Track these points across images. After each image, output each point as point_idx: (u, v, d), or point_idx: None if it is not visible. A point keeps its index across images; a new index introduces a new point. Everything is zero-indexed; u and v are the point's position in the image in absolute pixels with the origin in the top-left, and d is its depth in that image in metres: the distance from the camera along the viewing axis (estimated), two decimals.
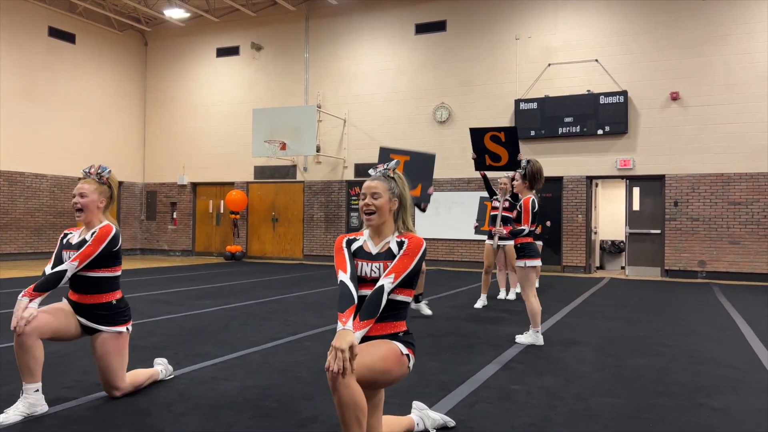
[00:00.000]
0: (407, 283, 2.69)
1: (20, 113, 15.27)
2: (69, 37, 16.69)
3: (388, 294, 2.61)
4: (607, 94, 13.32)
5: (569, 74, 13.88)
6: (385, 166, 2.86)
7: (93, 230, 3.67)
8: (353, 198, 16.15)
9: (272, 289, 9.65)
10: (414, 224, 3.21)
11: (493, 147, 7.14)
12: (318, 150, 15.72)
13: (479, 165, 7.24)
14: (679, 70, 12.99)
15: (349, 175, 16.19)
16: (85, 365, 4.46)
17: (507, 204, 7.66)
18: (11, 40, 15.19)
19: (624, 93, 13.17)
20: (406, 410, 3.44)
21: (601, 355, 5.13)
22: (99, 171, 3.75)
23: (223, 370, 4.41)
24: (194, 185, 18.29)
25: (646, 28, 13.33)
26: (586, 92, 13.54)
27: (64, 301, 3.69)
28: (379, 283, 2.62)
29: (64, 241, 3.73)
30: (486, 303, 7.94)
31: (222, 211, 17.76)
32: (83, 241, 3.64)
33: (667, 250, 13.06)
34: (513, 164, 6.96)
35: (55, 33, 16.32)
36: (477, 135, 7.21)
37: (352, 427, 2.45)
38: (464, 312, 7.45)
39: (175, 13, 17.19)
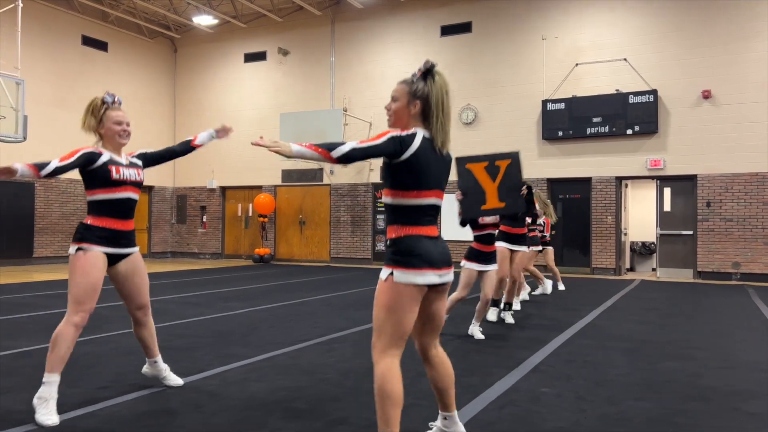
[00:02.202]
0: (366, 154, 2.51)
1: (55, 120, 15.67)
2: (102, 46, 17.08)
3: (348, 150, 2.47)
4: (636, 93, 13.12)
5: (597, 74, 13.71)
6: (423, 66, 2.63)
7: (132, 154, 3.92)
8: (379, 200, 16.19)
9: (300, 292, 9.72)
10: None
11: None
12: None
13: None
14: (710, 68, 12.73)
15: (375, 177, 16.23)
16: (118, 366, 4.56)
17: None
18: (46, 49, 15.61)
19: (654, 92, 12.96)
20: (437, 413, 3.46)
21: (632, 358, 5.05)
22: (119, 99, 3.87)
23: (252, 371, 4.47)
24: (223, 189, 18.54)
25: (675, 26, 13.11)
26: (615, 92, 13.36)
27: (92, 253, 3.48)
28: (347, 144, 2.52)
29: (103, 159, 3.64)
30: (518, 306, 7.89)
31: (250, 214, 17.96)
32: (134, 164, 3.81)
33: (699, 252, 12.79)
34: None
35: (88, 41, 16.72)
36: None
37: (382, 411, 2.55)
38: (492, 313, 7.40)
39: (204, 20, 17.47)
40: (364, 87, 16.40)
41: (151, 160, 3.97)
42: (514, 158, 5.24)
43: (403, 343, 2.56)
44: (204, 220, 18.73)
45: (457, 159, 5.20)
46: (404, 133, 2.55)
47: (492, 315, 6.87)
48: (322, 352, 5.16)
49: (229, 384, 4.10)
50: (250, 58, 18.04)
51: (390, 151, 2.50)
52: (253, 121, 17.87)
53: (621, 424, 3.39)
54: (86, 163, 3.59)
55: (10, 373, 4.35)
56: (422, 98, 2.58)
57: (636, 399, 3.86)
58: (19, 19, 12.36)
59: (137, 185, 3.74)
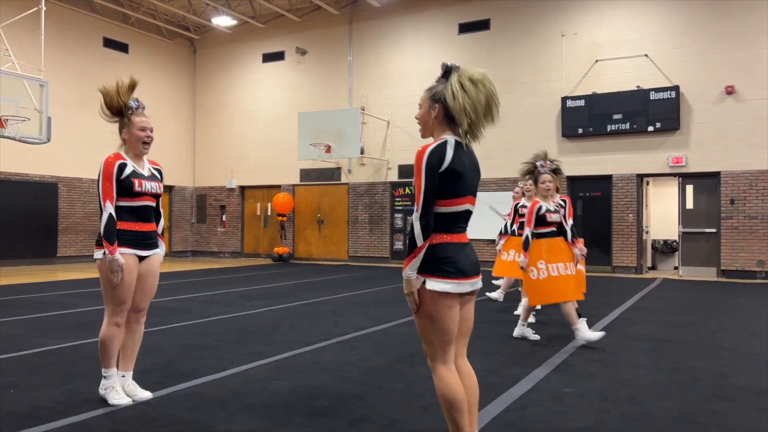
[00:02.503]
0: (431, 198, 2.44)
1: (77, 121, 15.91)
2: (122, 47, 17.30)
3: (419, 220, 2.43)
4: (657, 90, 12.96)
5: (617, 70, 13.56)
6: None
7: (153, 166, 4.03)
8: (397, 199, 16.19)
9: (319, 290, 9.77)
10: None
11: None
12: (362, 152, 15.83)
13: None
14: (733, 63, 12.52)
15: (393, 176, 16.24)
16: (143, 364, 4.63)
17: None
18: (68, 50, 15.85)
19: (675, 88, 12.79)
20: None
21: (655, 357, 5.00)
22: (143, 104, 4.01)
23: (275, 369, 4.50)
24: (242, 188, 18.67)
25: (697, 20, 12.92)
26: (636, 88, 13.20)
27: (121, 257, 3.57)
28: None
29: (127, 171, 3.80)
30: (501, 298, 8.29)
31: (269, 213, 18.08)
32: (155, 176, 3.94)
33: (723, 250, 12.60)
34: None
35: (109, 43, 16.95)
36: None
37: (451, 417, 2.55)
38: (512, 314, 7.37)
39: (223, 21, 17.60)
40: (382, 86, 16.40)
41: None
42: None
43: (452, 348, 2.56)
44: (224, 219, 18.89)
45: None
46: (434, 145, 2.48)
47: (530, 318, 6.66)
48: (344, 351, 5.18)
49: (252, 382, 4.14)
50: (269, 58, 18.14)
51: (436, 175, 2.44)
52: (271, 120, 17.97)
53: (645, 424, 3.36)
54: (117, 174, 3.77)
55: (38, 371, 4.44)
56: (441, 101, 2.54)
57: (660, 399, 3.83)
58: (42, 23, 12.57)
59: (155, 197, 3.87)
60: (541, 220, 5.47)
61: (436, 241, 2.49)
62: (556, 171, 5.55)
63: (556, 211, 5.51)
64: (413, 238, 2.44)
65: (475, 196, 2.59)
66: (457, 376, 2.55)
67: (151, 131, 3.97)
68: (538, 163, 5.54)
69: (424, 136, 2.65)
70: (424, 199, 2.42)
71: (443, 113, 2.55)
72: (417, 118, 2.66)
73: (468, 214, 2.58)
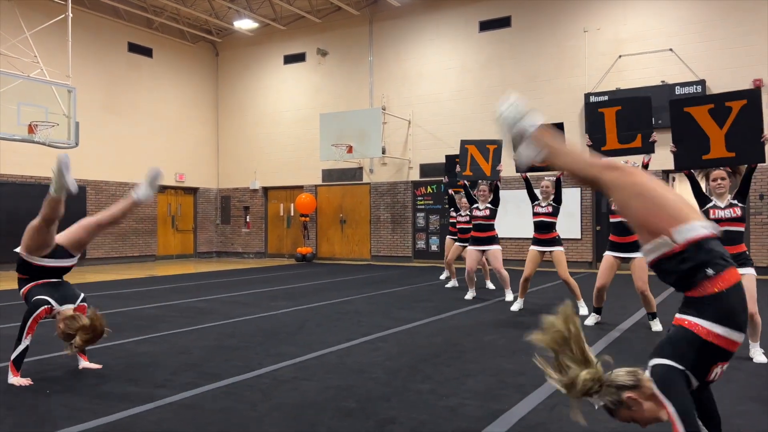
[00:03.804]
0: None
1: (103, 125, 16.20)
2: (147, 52, 17.56)
3: None
4: (683, 84, 12.77)
5: (642, 65, 13.39)
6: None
7: None
8: (419, 198, 16.19)
9: (343, 290, 9.82)
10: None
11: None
12: (383, 152, 15.85)
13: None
14: (761, 56, 12.28)
15: (415, 175, 16.24)
16: (174, 365, 4.71)
17: (550, 209, 7.26)
18: (95, 56, 16.14)
19: (702, 82, 12.58)
20: (487, 412, 3.46)
21: None
22: None
23: (302, 370, 4.55)
24: (265, 189, 18.84)
25: (723, 13, 12.69)
26: (661, 83, 13.02)
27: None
28: None
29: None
30: (522, 306, 7.55)
31: (292, 214, 18.21)
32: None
33: (753, 246, 12.37)
34: (647, 146, 6.05)
35: (134, 48, 17.22)
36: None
37: None
38: (537, 313, 7.32)
39: (245, 24, 17.77)
40: (403, 85, 16.41)
41: None
42: (751, 98, 4.67)
43: None
44: (247, 220, 19.07)
45: (672, 102, 5.01)
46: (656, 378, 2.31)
47: (591, 320, 6.44)
48: (369, 351, 5.21)
49: (281, 383, 4.19)
50: (290, 59, 18.26)
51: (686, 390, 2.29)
52: (293, 122, 18.09)
53: None
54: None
55: (72, 373, 4.54)
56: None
57: None
58: (69, 29, 12.81)
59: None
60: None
61: None
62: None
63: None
64: None
65: None
66: None
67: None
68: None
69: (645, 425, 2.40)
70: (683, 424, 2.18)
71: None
72: (642, 423, 2.38)
73: None
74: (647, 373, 2.30)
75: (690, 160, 4.87)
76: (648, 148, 6.02)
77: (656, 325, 6.13)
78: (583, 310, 7.12)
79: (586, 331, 6.04)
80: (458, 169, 8.65)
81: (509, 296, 8.43)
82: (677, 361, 2.28)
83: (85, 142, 14.32)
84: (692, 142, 4.70)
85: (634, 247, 5.93)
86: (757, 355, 4.85)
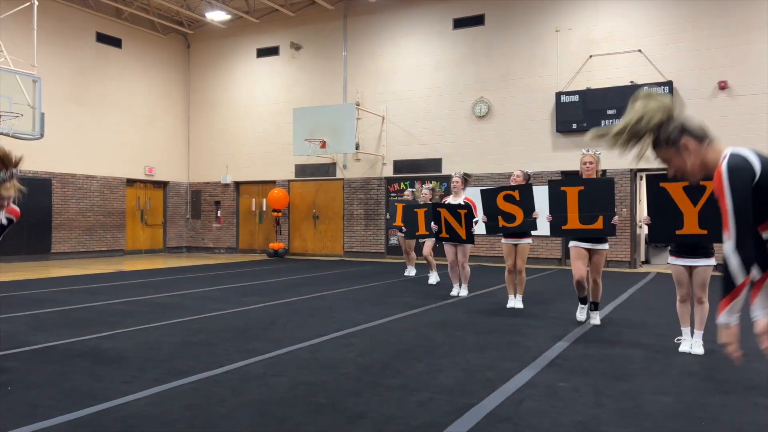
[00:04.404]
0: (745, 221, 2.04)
1: (71, 117, 15.84)
2: (116, 42, 17.21)
3: (735, 252, 2.05)
4: (651, 85, 12.99)
5: (611, 65, 13.60)
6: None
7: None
8: (392, 194, 16.21)
9: (315, 286, 9.79)
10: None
11: (507, 207, 6.98)
12: (357, 147, 15.82)
13: (491, 228, 7.22)
14: (726, 59, 12.58)
15: (388, 171, 16.25)
16: (141, 361, 4.64)
17: None
18: (61, 45, 15.76)
19: (669, 83, 12.84)
20: (456, 407, 3.48)
21: (650, 351, 5.05)
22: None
23: (272, 366, 4.52)
24: (237, 184, 18.65)
25: (691, 16, 12.96)
26: (630, 83, 13.25)
27: None
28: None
29: None
30: (520, 305, 7.44)
31: (264, 209, 18.07)
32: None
33: (716, 245, 12.67)
34: (529, 224, 6.95)
35: (102, 38, 16.86)
36: (489, 196, 7.09)
37: None
38: (507, 309, 7.41)
39: (217, 15, 17.54)
40: (377, 81, 16.39)
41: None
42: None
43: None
44: (219, 215, 18.86)
45: (648, 177, 5.16)
46: (731, 157, 2.09)
47: (581, 314, 6.47)
48: (341, 347, 5.20)
49: (251, 379, 4.16)
50: (263, 53, 18.09)
51: (748, 196, 2.04)
52: (266, 116, 17.94)
53: (640, 418, 3.40)
54: None
55: (34, 369, 4.44)
56: (682, 132, 2.21)
57: (654, 393, 3.87)
58: (35, 17, 12.49)
59: None
60: None
61: None
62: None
63: None
64: (728, 276, 2.05)
65: None
66: None
67: (8, 200, 4.04)
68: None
69: (695, 181, 2.28)
70: (736, 224, 2.02)
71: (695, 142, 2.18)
72: (680, 170, 2.27)
73: None
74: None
75: (664, 234, 5.07)
76: (609, 231, 5.99)
77: (595, 319, 6.31)
78: (517, 303, 7.40)
79: (583, 326, 6.12)
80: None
81: (456, 290, 8.59)
82: (760, 162, 2.05)
83: (50, 133, 14.00)
84: (667, 216, 4.88)
85: (599, 239, 6.14)
86: (696, 347, 5.03)
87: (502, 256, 7.61)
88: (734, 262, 2.03)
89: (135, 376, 4.22)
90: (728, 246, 2.04)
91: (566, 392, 3.88)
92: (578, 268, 6.16)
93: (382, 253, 16.29)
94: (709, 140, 2.21)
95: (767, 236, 2.10)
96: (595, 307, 6.36)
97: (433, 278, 10.18)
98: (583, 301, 6.44)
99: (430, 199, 9.86)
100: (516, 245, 7.36)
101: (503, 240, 7.50)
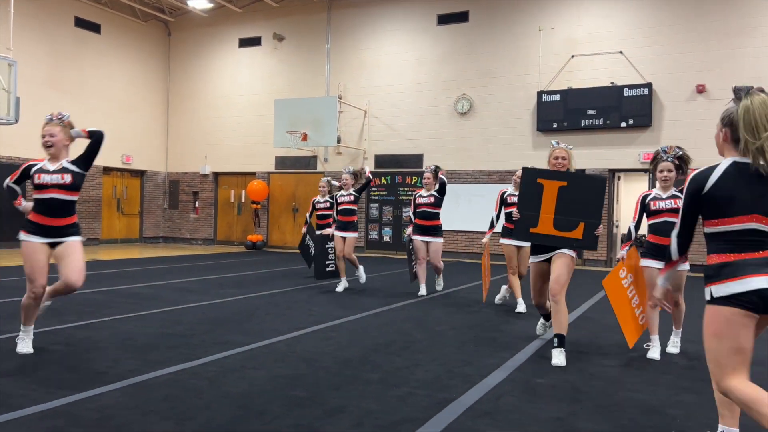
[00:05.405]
0: (687, 219, 2.74)
1: (47, 102, 15.48)
2: (95, 27, 16.88)
3: (675, 238, 2.77)
4: (631, 87, 13.16)
5: (593, 66, 13.73)
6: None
7: (66, 160, 4.81)
8: (373, 189, 16.18)
9: (294, 279, 9.74)
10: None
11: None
12: (339, 141, 15.75)
13: (520, 231, 4.73)
14: (705, 63, 12.78)
15: (369, 166, 16.20)
16: (117, 352, 4.57)
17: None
18: (39, 30, 15.41)
19: (648, 85, 13.00)
20: (435, 402, 3.49)
21: (625, 349, 5.12)
22: (59, 116, 4.87)
23: (250, 358, 4.49)
24: (216, 175, 18.45)
25: (672, 20, 13.13)
26: (610, 84, 13.39)
27: (29, 242, 4.59)
28: None
29: (34, 167, 4.77)
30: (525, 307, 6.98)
31: (243, 200, 17.91)
32: (65, 168, 4.71)
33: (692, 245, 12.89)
34: (589, 240, 4.62)
35: (81, 23, 16.52)
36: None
37: None
38: (486, 304, 7.46)
39: (198, 4, 17.30)
40: (360, 75, 16.33)
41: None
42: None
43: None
44: (196, 205, 18.66)
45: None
46: (701, 169, 2.65)
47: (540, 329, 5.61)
48: (320, 340, 5.18)
49: (228, 371, 4.12)
50: (245, 43, 17.90)
51: (696, 201, 2.62)
52: (247, 106, 17.76)
53: (616, 415, 3.45)
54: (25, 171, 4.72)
55: (7, 358, 4.35)
56: (728, 125, 2.59)
57: (630, 390, 3.92)
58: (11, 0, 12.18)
59: (62, 187, 4.66)
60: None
61: (715, 261, 2.59)
62: (682, 159, 4.86)
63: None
64: (669, 253, 2.79)
65: (764, 215, 2.48)
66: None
67: (51, 136, 4.80)
68: (660, 149, 4.94)
69: (721, 154, 2.72)
70: (681, 218, 2.70)
71: (730, 136, 2.60)
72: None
73: (755, 232, 2.49)
74: None
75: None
76: (590, 243, 4.61)
77: (559, 358, 4.61)
78: (422, 290, 8.01)
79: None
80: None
81: (423, 290, 8.06)
82: (720, 176, 2.62)
83: (26, 118, 13.67)
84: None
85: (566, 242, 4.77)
86: (671, 346, 5.14)
87: (481, 253, 7.55)
88: (674, 245, 2.75)
89: (110, 366, 4.16)
90: (674, 233, 2.75)
91: (544, 388, 3.92)
92: (536, 290, 4.98)
93: (361, 247, 16.27)
94: (737, 147, 2.64)
95: (710, 231, 2.60)
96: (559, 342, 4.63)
97: (341, 286, 8.53)
98: (546, 317, 5.40)
99: (352, 185, 9.21)
100: (520, 248, 6.78)
101: (503, 240, 6.92)
